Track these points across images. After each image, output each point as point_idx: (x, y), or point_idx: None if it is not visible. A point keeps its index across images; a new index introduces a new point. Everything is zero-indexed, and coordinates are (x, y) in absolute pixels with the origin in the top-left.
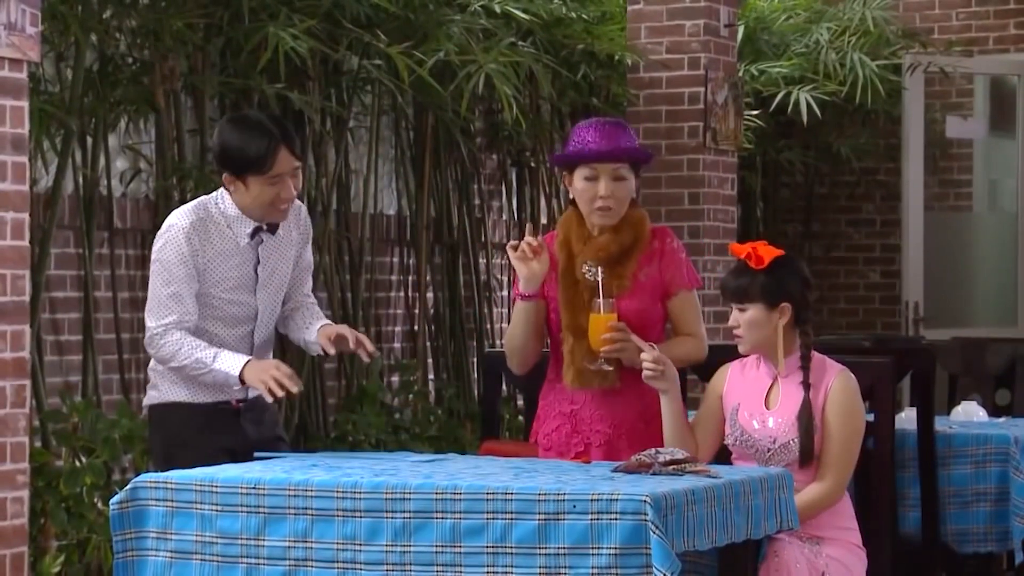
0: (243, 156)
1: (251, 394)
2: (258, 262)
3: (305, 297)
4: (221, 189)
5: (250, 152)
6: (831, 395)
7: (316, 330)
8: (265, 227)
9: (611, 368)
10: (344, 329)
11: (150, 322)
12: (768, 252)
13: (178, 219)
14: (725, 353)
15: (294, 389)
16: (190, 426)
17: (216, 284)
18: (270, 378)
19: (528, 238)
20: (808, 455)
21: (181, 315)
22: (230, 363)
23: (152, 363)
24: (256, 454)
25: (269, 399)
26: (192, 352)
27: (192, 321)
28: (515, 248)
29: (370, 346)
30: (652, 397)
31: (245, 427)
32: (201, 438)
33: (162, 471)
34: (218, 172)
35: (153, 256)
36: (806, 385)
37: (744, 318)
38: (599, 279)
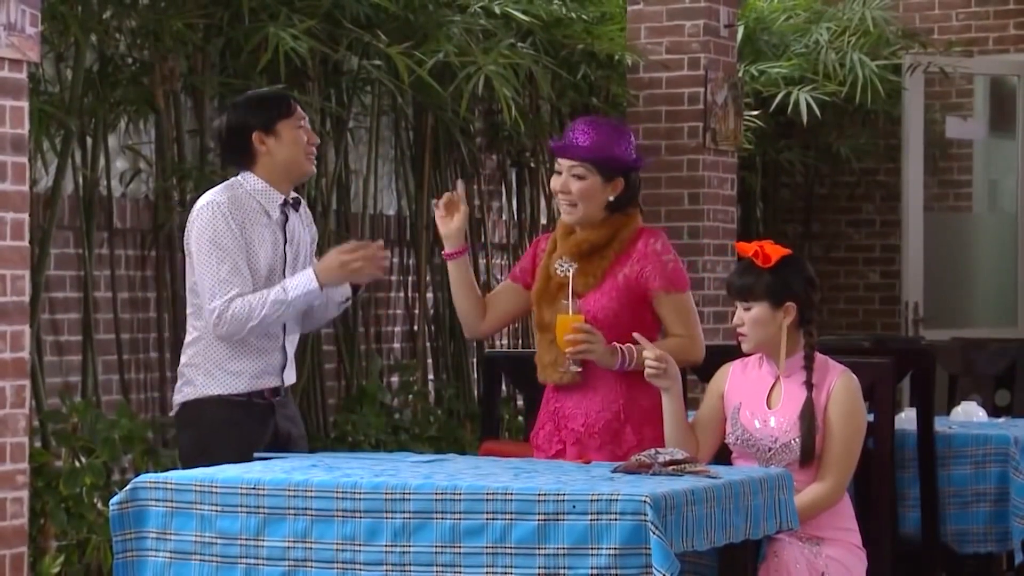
0: (269, 106)
1: (286, 381)
2: (286, 241)
3: None
4: (240, 174)
5: (272, 101)
6: (833, 395)
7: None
8: (290, 201)
9: (579, 369)
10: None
11: (214, 303)
12: (775, 251)
13: (215, 196)
14: (725, 353)
15: (384, 261)
16: (227, 420)
17: (256, 261)
18: (354, 261)
19: (447, 194)
20: (809, 454)
21: (242, 287)
22: (302, 282)
23: (185, 359)
24: (256, 455)
25: (378, 274)
26: (264, 300)
27: (250, 290)
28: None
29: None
30: (633, 398)
31: (280, 422)
32: (237, 431)
33: (196, 467)
34: (238, 152)
35: (194, 237)
36: (809, 385)
37: (748, 316)
38: (569, 276)
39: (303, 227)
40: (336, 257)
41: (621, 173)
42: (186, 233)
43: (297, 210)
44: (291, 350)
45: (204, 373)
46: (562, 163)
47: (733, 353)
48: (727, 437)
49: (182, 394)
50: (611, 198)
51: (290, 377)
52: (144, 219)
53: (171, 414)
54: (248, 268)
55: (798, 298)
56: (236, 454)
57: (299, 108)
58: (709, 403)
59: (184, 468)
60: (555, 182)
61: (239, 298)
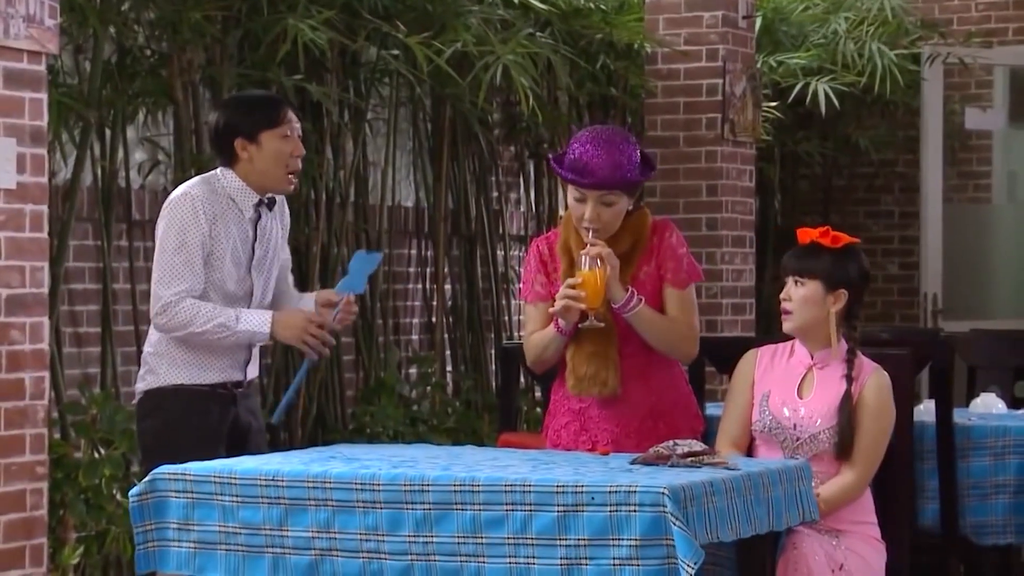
0: (255, 114)
1: (249, 375)
2: (255, 240)
3: (290, 287)
4: (219, 168)
5: (260, 109)
6: (865, 392)
7: (311, 297)
8: (266, 201)
9: (602, 324)
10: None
11: (161, 290)
12: (842, 236)
13: (190, 188)
14: (743, 345)
15: (326, 351)
16: (191, 408)
17: (221, 257)
18: (310, 338)
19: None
20: (847, 449)
21: (192, 283)
22: (255, 321)
23: (149, 348)
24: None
25: (315, 357)
26: (212, 316)
27: (200, 289)
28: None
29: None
30: (661, 394)
31: (241, 413)
32: (200, 421)
33: (157, 457)
34: (221, 151)
35: (163, 224)
36: (848, 378)
37: (799, 293)
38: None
39: (276, 222)
40: (302, 323)
41: (640, 184)
42: (158, 221)
43: (272, 209)
44: (255, 348)
45: (169, 362)
46: (587, 192)
47: (749, 345)
48: (753, 424)
49: (145, 382)
50: (630, 207)
51: (252, 371)
52: None
53: (132, 403)
54: (204, 265)
55: (851, 286)
56: (200, 443)
57: (289, 115)
58: (740, 393)
59: (145, 457)
60: (579, 211)
61: (190, 298)
